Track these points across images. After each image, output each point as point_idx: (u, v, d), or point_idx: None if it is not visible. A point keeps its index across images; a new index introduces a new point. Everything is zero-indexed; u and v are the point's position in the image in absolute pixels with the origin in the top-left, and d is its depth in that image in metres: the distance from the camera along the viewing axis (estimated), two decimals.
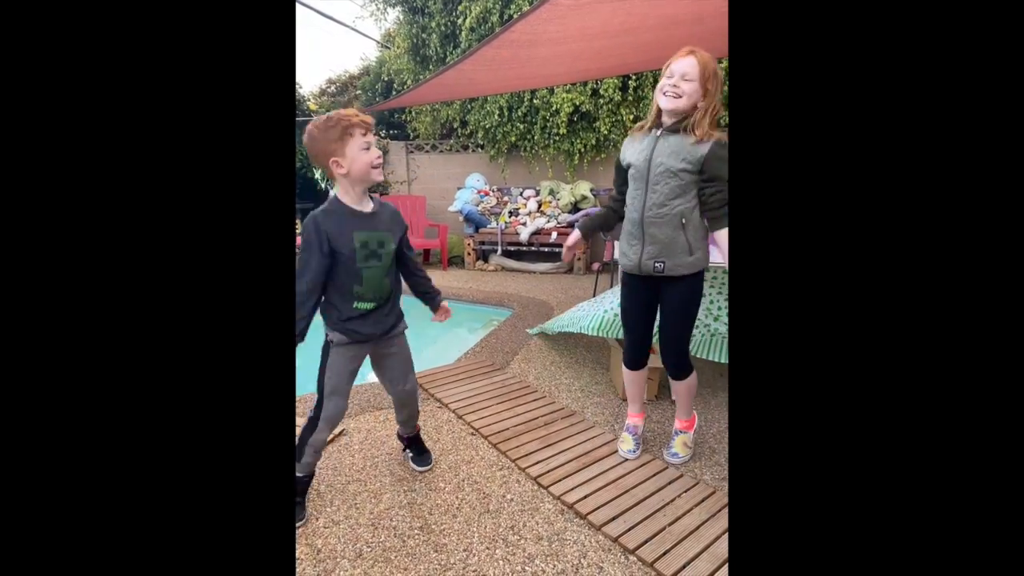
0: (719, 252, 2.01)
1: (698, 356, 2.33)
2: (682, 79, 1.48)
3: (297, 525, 1.50)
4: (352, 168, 1.35)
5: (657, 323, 1.80)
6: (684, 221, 1.56)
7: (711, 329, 2.33)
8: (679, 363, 1.75)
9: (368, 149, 1.36)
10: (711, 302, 2.36)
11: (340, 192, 1.42)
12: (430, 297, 1.70)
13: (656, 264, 1.61)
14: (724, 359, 2.22)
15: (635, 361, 1.86)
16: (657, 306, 1.76)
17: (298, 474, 1.54)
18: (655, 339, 1.84)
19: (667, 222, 1.57)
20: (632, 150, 1.65)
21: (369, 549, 1.43)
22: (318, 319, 1.45)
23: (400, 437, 1.84)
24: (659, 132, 1.57)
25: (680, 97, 1.49)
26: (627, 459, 1.85)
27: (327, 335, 1.50)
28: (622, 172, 1.72)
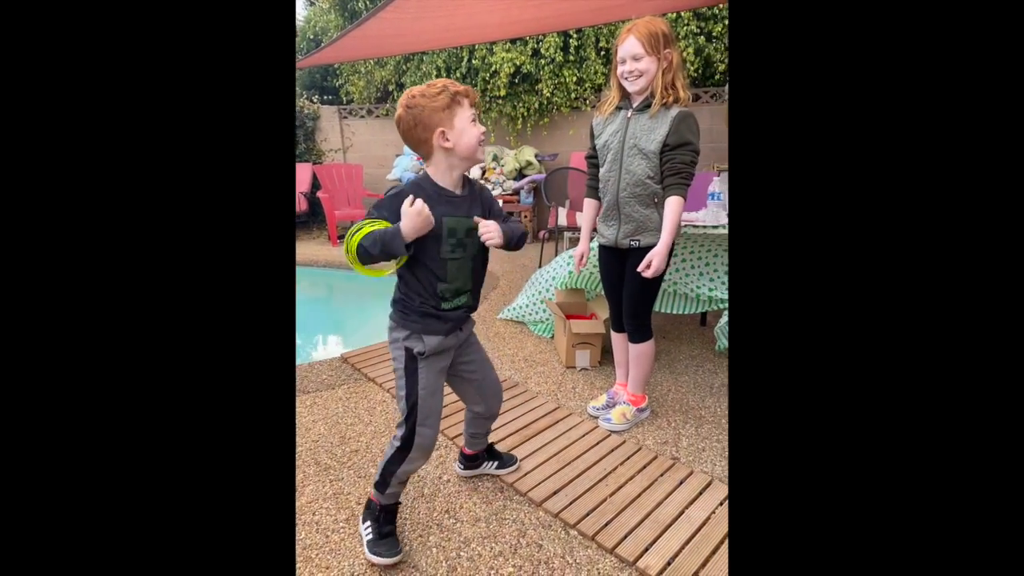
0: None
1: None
2: (633, 60, 1.51)
3: (393, 560, 1.23)
4: (459, 142, 1.14)
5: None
6: (656, 200, 1.59)
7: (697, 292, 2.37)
8: (634, 326, 1.76)
9: (475, 122, 1.17)
10: (706, 263, 2.37)
11: (432, 170, 1.19)
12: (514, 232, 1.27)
13: (631, 242, 1.65)
14: (686, 310, 2.46)
15: (619, 325, 1.86)
16: None
17: (383, 503, 1.28)
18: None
19: (640, 201, 1.60)
20: (606, 130, 1.66)
21: None
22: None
23: (464, 457, 1.54)
24: (630, 113, 1.60)
25: (641, 76, 1.53)
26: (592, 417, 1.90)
27: (410, 348, 1.21)
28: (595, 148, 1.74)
